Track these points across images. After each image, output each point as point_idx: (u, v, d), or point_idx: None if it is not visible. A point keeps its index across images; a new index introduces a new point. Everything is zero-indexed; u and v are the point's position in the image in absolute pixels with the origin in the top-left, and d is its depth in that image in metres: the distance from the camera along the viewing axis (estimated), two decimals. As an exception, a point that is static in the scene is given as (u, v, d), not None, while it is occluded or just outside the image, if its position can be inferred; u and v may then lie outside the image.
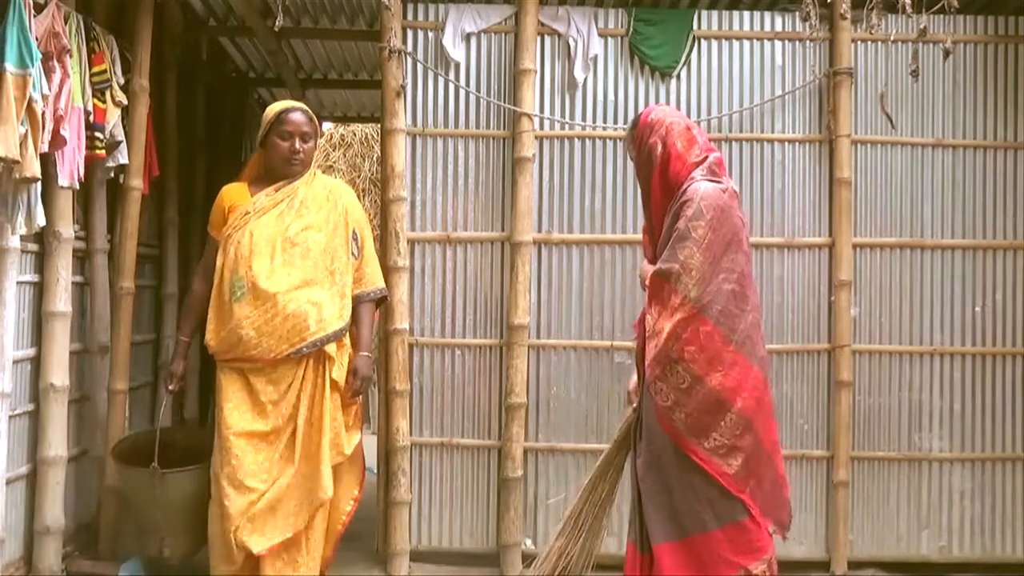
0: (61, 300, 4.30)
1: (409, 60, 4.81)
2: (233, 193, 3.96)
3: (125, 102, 4.67)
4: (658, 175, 3.22)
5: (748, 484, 3.08)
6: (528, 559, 4.71)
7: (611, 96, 4.88)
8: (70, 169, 4.20)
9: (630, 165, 4.82)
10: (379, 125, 5.58)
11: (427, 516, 4.78)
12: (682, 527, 3.05)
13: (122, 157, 4.73)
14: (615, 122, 4.87)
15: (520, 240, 4.73)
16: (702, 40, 4.89)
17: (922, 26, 4.12)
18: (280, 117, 3.87)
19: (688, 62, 4.88)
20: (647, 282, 3.21)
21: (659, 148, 3.21)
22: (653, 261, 3.26)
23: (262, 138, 3.93)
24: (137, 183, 4.77)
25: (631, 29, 4.86)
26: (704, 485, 3.04)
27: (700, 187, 3.11)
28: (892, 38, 4.68)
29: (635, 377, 3.43)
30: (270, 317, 3.72)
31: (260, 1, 5.47)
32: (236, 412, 3.74)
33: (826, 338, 4.82)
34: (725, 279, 3.07)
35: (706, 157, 3.20)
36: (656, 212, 3.26)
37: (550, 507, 4.77)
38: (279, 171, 3.91)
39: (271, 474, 3.74)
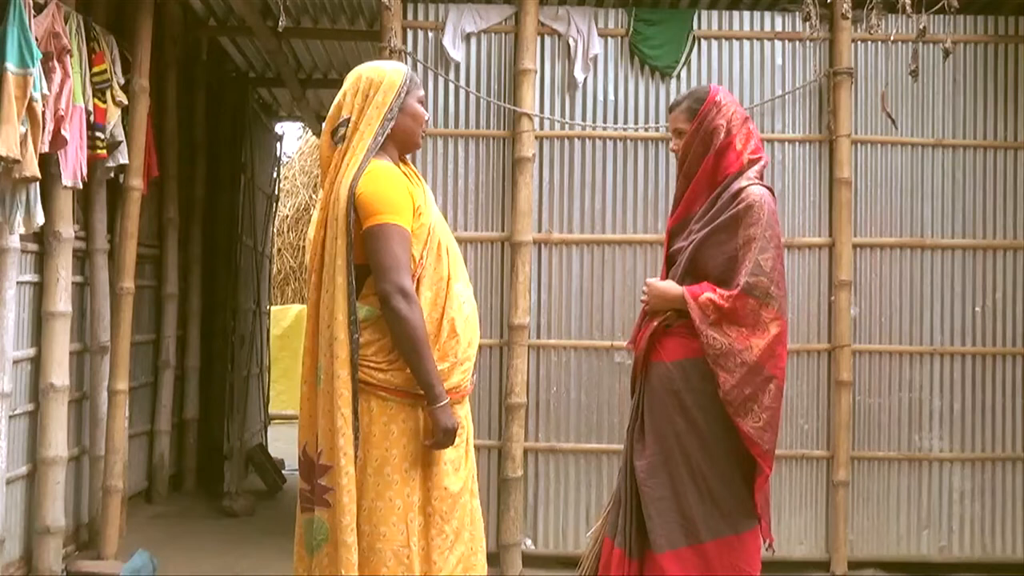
0: (61, 300, 4.30)
1: (409, 60, 4.81)
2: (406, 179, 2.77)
3: (125, 102, 4.67)
4: (712, 160, 3.04)
5: (767, 495, 3.06)
6: (528, 559, 4.71)
7: (611, 96, 4.88)
8: (73, 169, 4.21)
9: (630, 165, 4.85)
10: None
11: (427, 516, 4.76)
12: (694, 533, 2.95)
13: (122, 157, 4.73)
14: (615, 122, 4.86)
15: (520, 240, 4.73)
16: (702, 40, 4.89)
17: (922, 26, 4.12)
18: (414, 80, 2.82)
19: (688, 62, 4.87)
20: (706, 299, 2.94)
21: (722, 133, 3.03)
22: (671, 259, 3.13)
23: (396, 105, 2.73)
24: (137, 183, 4.77)
25: (631, 29, 4.86)
26: (748, 496, 2.98)
27: (763, 193, 3.00)
28: (892, 38, 4.68)
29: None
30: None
31: (260, 1, 5.47)
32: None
33: (826, 338, 4.82)
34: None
35: (760, 157, 3.09)
36: (692, 197, 3.10)
37: (551, 510, 4.77)
38: (408, 149, 2.87)
39: None
